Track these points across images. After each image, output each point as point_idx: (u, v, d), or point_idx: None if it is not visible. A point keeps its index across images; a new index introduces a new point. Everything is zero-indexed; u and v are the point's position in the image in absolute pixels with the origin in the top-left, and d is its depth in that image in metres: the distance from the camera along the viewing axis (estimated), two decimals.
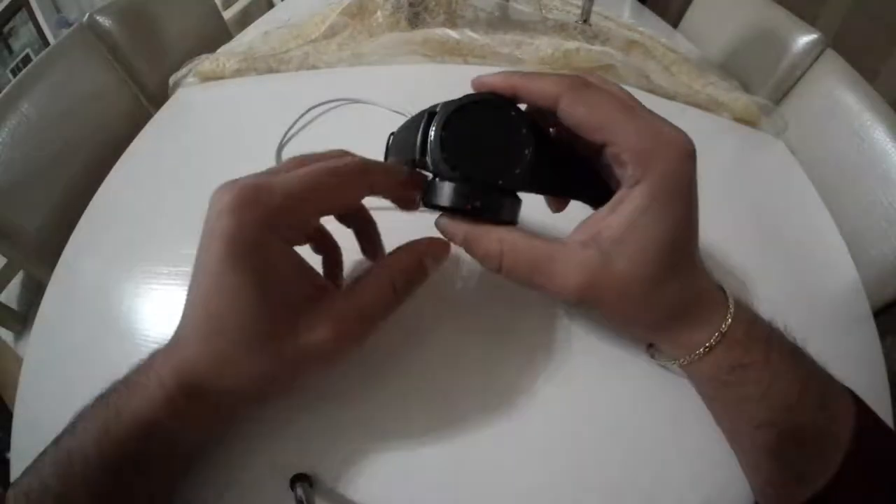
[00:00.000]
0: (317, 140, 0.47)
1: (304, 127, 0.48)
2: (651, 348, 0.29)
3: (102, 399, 0.22)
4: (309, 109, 0.49)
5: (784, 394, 0.23)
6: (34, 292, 0.74)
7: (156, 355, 0.22)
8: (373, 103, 0.49)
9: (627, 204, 0.22)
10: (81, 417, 0.22)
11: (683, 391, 0.28)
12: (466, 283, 0.33)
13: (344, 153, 0.26)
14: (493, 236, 0.23)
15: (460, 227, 0.24)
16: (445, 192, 0.23)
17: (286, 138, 0.47)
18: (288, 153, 0.46)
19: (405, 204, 0.27)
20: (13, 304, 0.72)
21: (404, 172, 0.26)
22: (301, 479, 0.25)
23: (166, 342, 0.22)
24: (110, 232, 0.42)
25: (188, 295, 0.22)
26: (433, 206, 0.24)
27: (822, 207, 0.44)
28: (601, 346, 0.30)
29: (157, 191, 0.44)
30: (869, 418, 0.24)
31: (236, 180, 0.22)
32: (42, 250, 0.52)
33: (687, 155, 0.22)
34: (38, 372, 0.33)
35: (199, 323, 0.21)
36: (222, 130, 0.47)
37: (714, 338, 0.23)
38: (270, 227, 0.21)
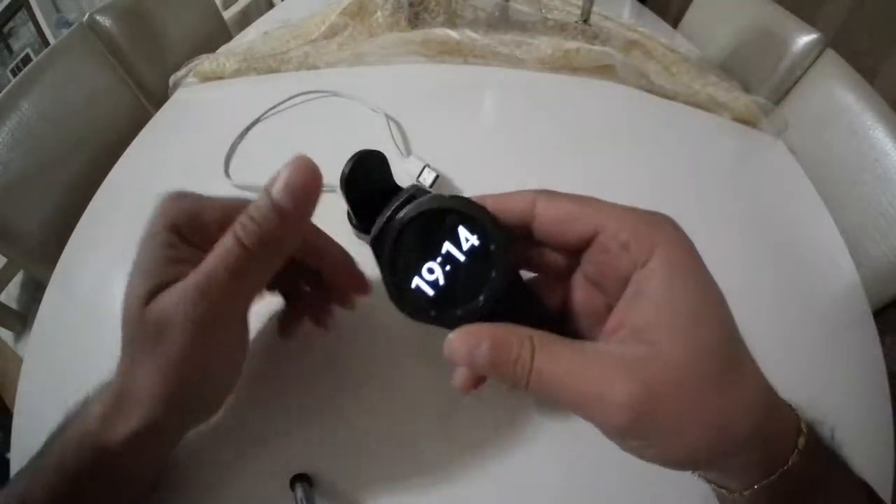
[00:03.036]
0: (291, 134, 0.47)
1: (283, 120, 0.49)
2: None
3: (66, 417, 0.23)
4: (273, 106, 0.50)
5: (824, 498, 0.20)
6: (34, 292, 0.74)
7: (86, 421, 0.22)
8: (347, 97, 0.50)
9: (651, 280, 0.18)
10: (52, 433, 0.23)
11: None
12: None
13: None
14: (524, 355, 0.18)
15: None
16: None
17: (240, 140, 0.47)
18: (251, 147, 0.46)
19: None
20: (13, 304, 0.72)
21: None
22: (301, 479, 0.25)
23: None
24: (110, 232, 0.42)
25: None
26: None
27: (822, 207, 0.44)
28: None
29: (157, 190, 0.44)
30: None
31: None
32: (42, 250, 0.52)
33: (681, 229, 0.20)
34: (38, 372, 0.33)
35: (122, 364, 0.23)
36: (222, 130, 0.47)
37: (800, 442, 0.19)
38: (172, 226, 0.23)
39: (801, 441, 0.19)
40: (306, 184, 0.20)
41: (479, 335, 0.19)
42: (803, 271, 0.38)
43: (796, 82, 0.58)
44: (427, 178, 0.39)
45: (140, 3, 0.67)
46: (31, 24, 1.52)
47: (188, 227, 0.23)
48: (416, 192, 0.21)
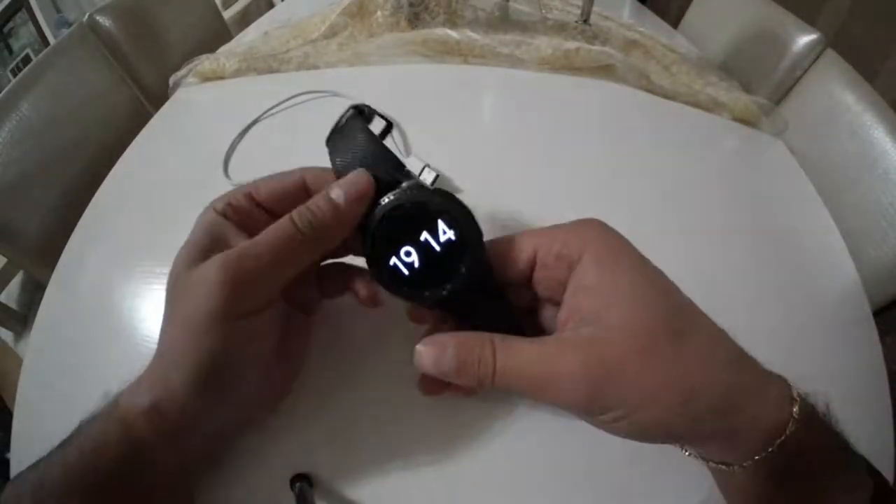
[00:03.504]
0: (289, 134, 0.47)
1: (282, 121, 0.49)
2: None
3: (69, 440, 0.22)
4: (271, 107, 0.50)
5: (828, 479, 0.20)
6: (34, 292, 0.74)
7: (120, 397, 0.22)
8: (346, 97, 0.51)
9: (586, 274, 0.21)
10: (46, 458, 0.22)
11: None
12: None
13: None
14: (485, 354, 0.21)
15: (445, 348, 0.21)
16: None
17: (239, 140, 0.47)
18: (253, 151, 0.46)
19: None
20: (13, 304, 0.72)
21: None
22: (301, 479, 0.25)
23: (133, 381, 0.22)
24: (110, 232, 0.42)
25: (162, 339, 0.22)
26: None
27: (822, 207, 0.44)
28: None
29: (157, 191, 0.44)
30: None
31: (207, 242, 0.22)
32: (42, 250, 0.52)
33: (608, 226, 0.22)
34: (38, 372, 0.33)
35: (154, 370, 0.21)
36: (222, 130, 0.47)
37: (794, 412, 0.19)
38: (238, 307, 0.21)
39: (796, 409, 0.19)
40: (360, 190, 0.22)
41: (443, 343, 0.21)
42: (803, 271, 0.38)
43: (796, 82, 0.58)
44: (427, 178, 0.39)
45: (140, 4, 0.67)
46: (31, 24, 1.52)
47: (241, 208, 0.24)
48: (415, 185, 0.22)
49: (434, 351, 0.21)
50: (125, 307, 0.35)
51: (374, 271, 0.22)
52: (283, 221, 0.22)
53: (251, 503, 0.26)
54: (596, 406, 0.20)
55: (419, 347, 0.21)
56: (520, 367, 0.20)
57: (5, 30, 1.49)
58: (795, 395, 0.20)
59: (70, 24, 1.46)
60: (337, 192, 0.22)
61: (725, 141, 0.51)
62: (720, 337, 0.21)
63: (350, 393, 0.28)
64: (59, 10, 1.56)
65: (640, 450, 0.27)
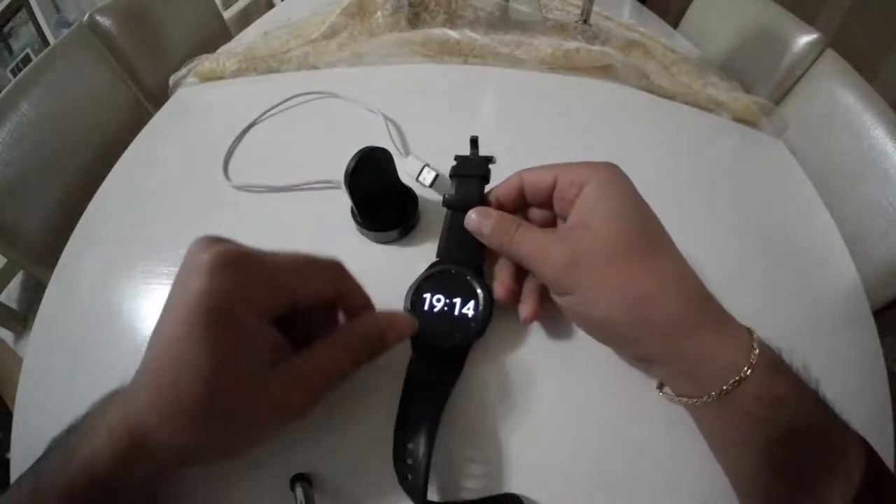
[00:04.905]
0: (288, 134, 0.47)
1: (282, 121, 0.49)
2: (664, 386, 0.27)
3: (66, 436, 0.22)
4: (273, 107, 0.50)
5: (813, 440, 0.21)
6: (34, 292, 0.74)
7: (111, 399, 0.22)
8: (344, 98, 0.50)
9: (589, 194, 0.26)
10: (45, 456, 0.22)
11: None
12: None
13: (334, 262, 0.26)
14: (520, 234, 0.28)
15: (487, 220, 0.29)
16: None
17: (239, 140, 0.47)
18: (249, 153, 0.46)
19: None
20: (13, 304, 0.72)
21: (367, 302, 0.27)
22: (301, 479, 0.25)
23: (124, 385, 0.22)
24: (110, 232, 0.42)
25: (150, 342, 0.21)
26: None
27: (822, 207, 0.44)
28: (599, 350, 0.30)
29: (157, 191, 0.44)
30: (880, 472, 0.22)
31: (217, 239, 0.22)
32: (42, 250, 0.52)
33: (619, 168, 0.27)
34: (38, 372, 0.33)
35: (152, 383, 0.21)
36: (222, 130, 0.47)
37: (753, 356, 0.22)
38: (246, 299, 0.21)
39: (754, 355, 0.22)
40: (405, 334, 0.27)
41: (489, 214, 0.29)
42: (803, 271, 0.38)
43: (796, 82, 0.58)
44: (427, 178, 0.39)
45: (140, 3, 0.67)
46: (31, 24, 1.52)
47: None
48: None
49: (481, 217, 0.29)
50: (125, 307, 0.35)
51: (413, 291, 0.30)
52: (344, 358, 0.24)
53: (251, 503, 0.26)
54: (563, 284, 0.25)
55: (471, 213, 0.29)
56: (527, 243, 0.27)
57: (5, 30, 1.49)
58: (756, 343, 0.22)
59: (70, 24, 1.47)
60: (391, 336, 0.26)
61: (725, 141, 0.51)
62: (686, 274, 0.25)
63: (350, 393, 0.28)
64: (58, 10, 1.56)
65: (639, 451, 0.27)
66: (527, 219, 0.30)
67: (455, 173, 0.32)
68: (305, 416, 0.23)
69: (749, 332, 0.23)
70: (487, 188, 0.32)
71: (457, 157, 0.34)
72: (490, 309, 0.29)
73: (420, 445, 0.24)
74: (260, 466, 0.26)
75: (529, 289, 0.30)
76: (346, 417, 0.28)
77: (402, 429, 0.26)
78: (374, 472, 0.26)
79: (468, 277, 0.30)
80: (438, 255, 0.31)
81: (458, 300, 0.29)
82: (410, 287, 0.30)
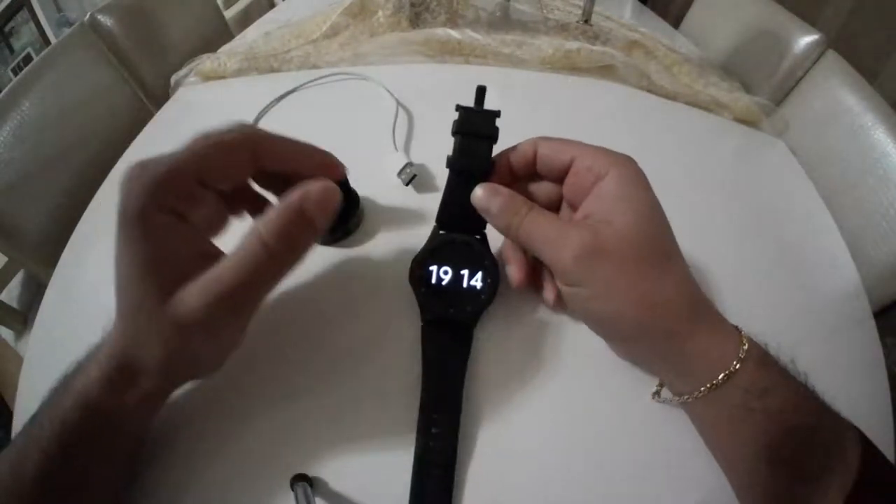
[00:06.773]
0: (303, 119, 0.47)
1: (282, 121, 0.48)
2: (661, 387, 0.28)
3: (62, 380, 0.24)
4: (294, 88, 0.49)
5: (806, 429, 0.22)
6: (34, 292, 0.74)
7: (99, 343, 0.24)
8: (375, 81, 0.50)
9: (608, 186, 0.25)
10: (46, 400, 0.24)
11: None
12: None
13: (242, 126, 0.24)
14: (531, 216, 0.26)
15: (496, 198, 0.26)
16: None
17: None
18: None
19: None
20: (13, 304, 0.72)
21: (308, 151, 0.26)
22: (301, 479, 0.25)
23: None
24: (110, 232, 0.41)
25: None
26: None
27: (823, 207, 0.44)
28: (598, 349, 0.30)
29: None
30: (875, 460, 0.22)
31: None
32: (42, 250, 0.52)
33: (636, 162, 0.26)
34: (38, 372, 0.33)
35: (121, 310, 0.23)
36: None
37: (742, 350, 0.23)
38: (153, 199, 0.22)
39: (743, 350, 0.23)
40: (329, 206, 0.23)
41: (498, 191, 0.26)
42: (803, 271, 0.38)
43: (797, 83, 0.58)
44: (405, 177, 0.39)
45: (141, 3, 0.67)
46: (32, 24, 1.52)
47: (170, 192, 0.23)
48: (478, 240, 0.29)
49: (489, 193, 0.26)
50: None
51: (413, 272, 0.28)
52: (251, 241, 0.21)
53: (251, 503, 0.26)
54: (575, 274, 0.24)
55: (478, 189, 0.27)
56: (538, 227, 0.25)
57: (6, 29, 1.49)
58: (744, 339, 0.23)
59: (71, 24, 1.46)
60: (311, 209, 0.22)
61: (726, 141, 0.51)
62: (690, 279, 0.25)
63: (350, 393, 0.28)
64: (60, 10, 1.56)
65: (640, 452, 0.27)
66: (529, 191, 0.29)
67: (458, 130, 0.28)
68: (232, 319, 0.22)
69: (737, 329, 0.24)
70: (495, 150, 0.28)
71: (458, 108, 0.28)
72: (497, 277, 0.28)
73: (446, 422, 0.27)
74: (260, 466, 0.26)
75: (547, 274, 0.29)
76: (346, 417, 0.28)
77: (427, 407, 0.27)
78: (374, 472, 0.26)
79: (473, 246, 0.28)
80: (438, 220, 0.29)
81: (465, 272, 0.28)
82: (414, 260, 0.29)
